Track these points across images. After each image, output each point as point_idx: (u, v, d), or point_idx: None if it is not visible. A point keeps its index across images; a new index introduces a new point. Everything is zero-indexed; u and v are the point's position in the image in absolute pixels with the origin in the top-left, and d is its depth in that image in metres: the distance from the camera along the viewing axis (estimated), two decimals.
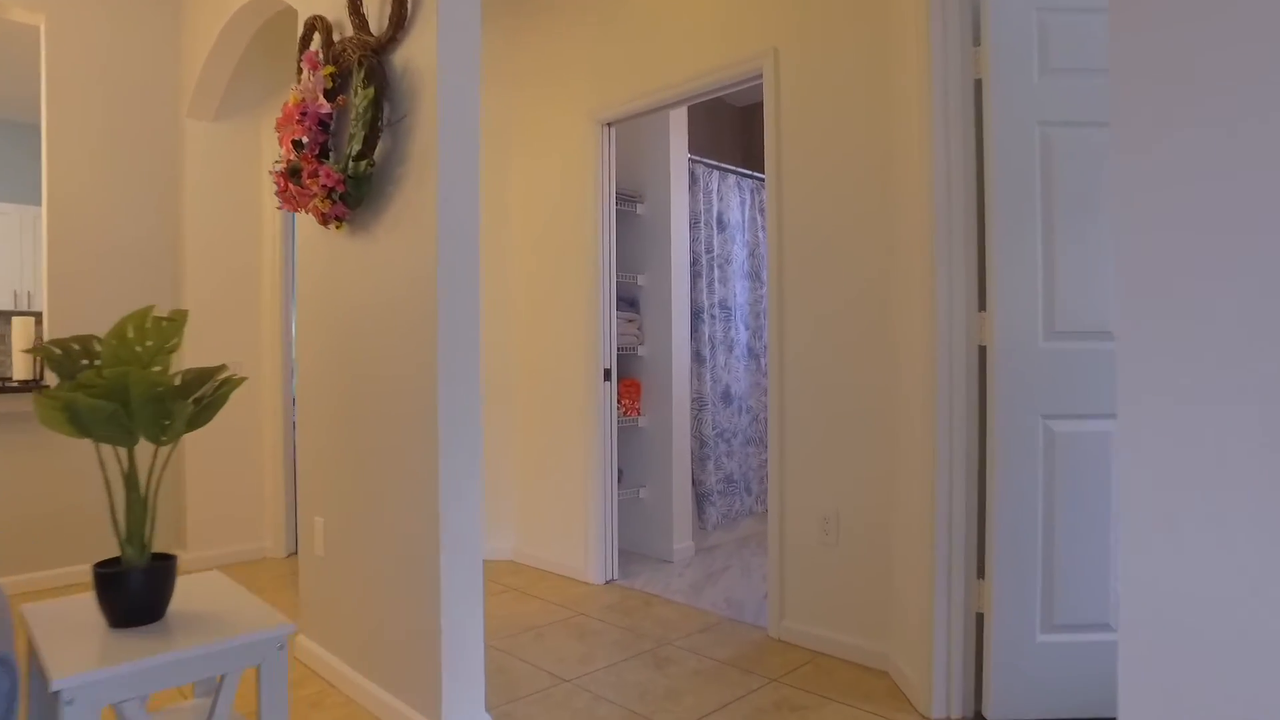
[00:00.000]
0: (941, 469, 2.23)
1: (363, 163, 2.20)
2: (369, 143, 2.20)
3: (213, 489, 4.01)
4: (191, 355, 3.95)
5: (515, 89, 4.09)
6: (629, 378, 4.20)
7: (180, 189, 3.97)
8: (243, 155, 4.10)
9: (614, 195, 3.70)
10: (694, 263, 4.18)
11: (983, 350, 2.22)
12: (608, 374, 3.65)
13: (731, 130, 5.57)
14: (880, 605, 2.60)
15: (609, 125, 3.67)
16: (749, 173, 4.58)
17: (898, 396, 2.53)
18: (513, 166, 4.08)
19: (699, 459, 4.17)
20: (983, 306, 2.22)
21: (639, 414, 4.14)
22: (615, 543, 3.71)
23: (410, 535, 2.18)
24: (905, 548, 2.46)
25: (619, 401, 4.06)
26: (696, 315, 4.17)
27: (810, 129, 2.83)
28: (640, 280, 4.15)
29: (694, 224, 4.18)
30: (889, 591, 2.58)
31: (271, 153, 4.12)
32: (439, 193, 2.06)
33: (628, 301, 4.15)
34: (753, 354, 4.55)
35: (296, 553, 4.19)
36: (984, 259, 2.22)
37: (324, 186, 2.25)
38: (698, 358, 4.17)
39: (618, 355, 4.26)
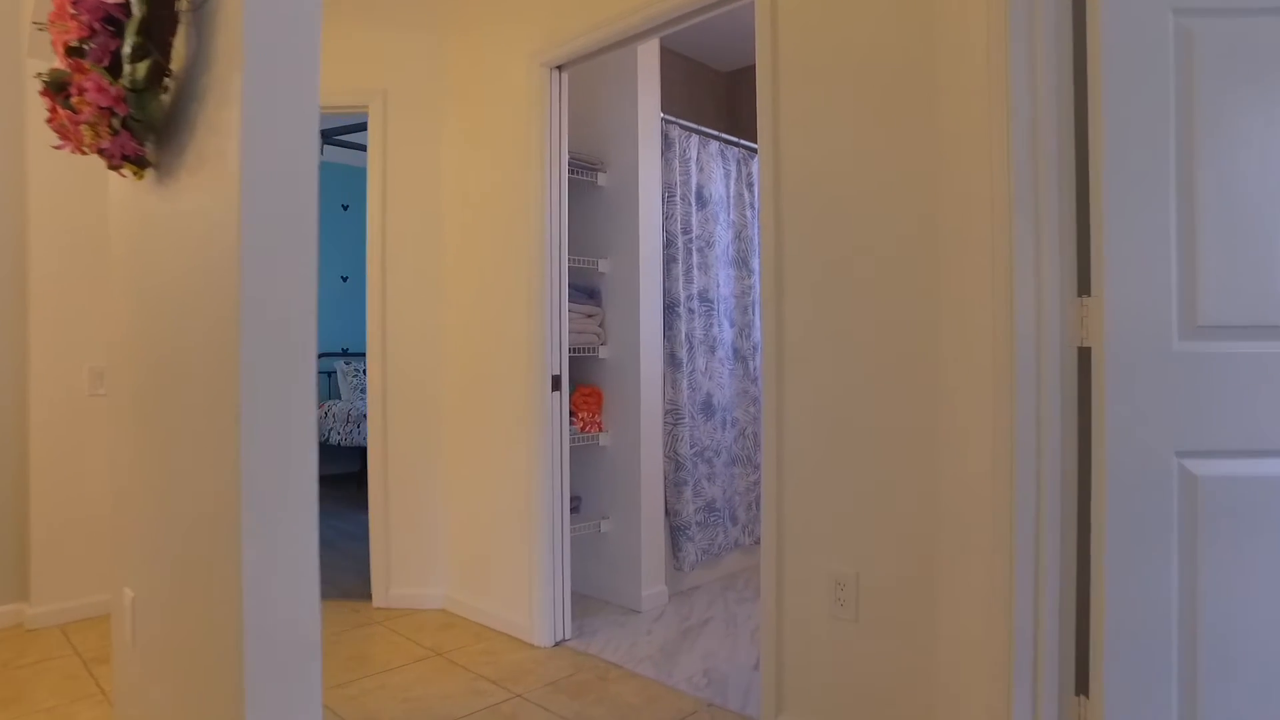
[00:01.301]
0: (1022, 529, 1.50)
1: (143, 65, 1.43)
2: (154, 35, 1.44)
3: (68, 522, 3.22)
4: (39, 350, 3.16)
5: (448, 32, 3.33)
6: (588, 384, 3.45)
7: (22, 139, 3.17)
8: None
9: (565, 159, 2.95)
10: (667, 245, 3.44)
11: (1084, 354, 1.49)
12: (556, 381, 2.89)
13: (714, 99, 4.84)
14: (920, 708, 1.87)
15: (559, 69, 2.92)
16: (735, 140, 3.85)
17: (943, 418, 1.80)
18: (446, 129, 3.32)
19: (673, 484, 3.43)
20: (1085, 289, 1.49)
21: (600, 429, 3.39)
22: (567, 592, 2.96)
23: (206, 618, 1.42)
24: (959, 632, 1.73)
25: (574, 415, 3.32)
26: (671, 309, 3.43)
27: (817, 55, 2.08)
28: (601, 266, 3.40)
29: (667, 198, 3.44)
30: (931, 690, 1.84)
31: None
32: (244, 112, 1.30)
33: (586, 292, 3.40)
34: (739, 356, 3.81)
35: None
36: (1086, 219, 1.49)
37: (96, 106, 1.49)
38: (672, 361, 3.43)
39: (573, 357, 3.52)
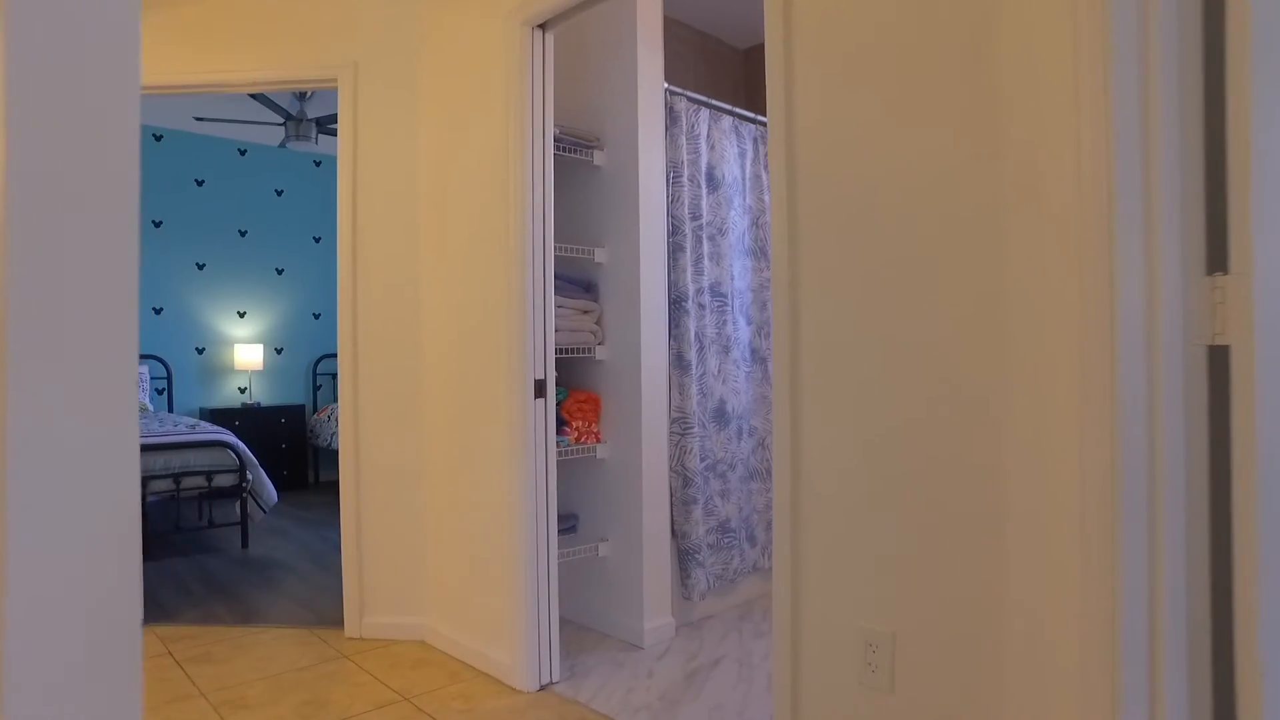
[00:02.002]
0: (1129, 596, 1.08)
1: None
2: None
3: None
4: None
5: None
6: (583, 389, 3.07)
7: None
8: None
9: (550, 132, 2.57)
10: (673, 232, 3.04)
11: (1217, 354, 1.07)
12: (541, 386, 2.51)
13: (730, 77, 4.43)
14: None
15: (541, 28, 2.54)
16: (751, 116, 3.44)
17: (1009, 444, 1.38)
18: (423, 104, 2.96)
19: (681, 502, 3.04)
20: (1218, 264, 1.07)
21: (597, 440, 3.01)
22: (554, 627, 2.58)
23: None
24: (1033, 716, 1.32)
25: (567, 424, 2.93)
26: (678, 304, 3.03)
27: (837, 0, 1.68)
28: (598, 256, 3.01)
29: (673, 178, 3.04)
30: None
31: None
32: None
33: (580, 285, 3.02)
34: (757, 357, 3.40)
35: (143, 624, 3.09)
36: (1221, 163, 1.07)
37: None
38: (679, 362, 3.03)
39: (566, 359, 3.14)
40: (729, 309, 3.23)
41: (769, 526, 3.42)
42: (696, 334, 3.10)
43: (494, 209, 2.63)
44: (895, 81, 1.56)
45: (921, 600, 1.52)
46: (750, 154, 3.41)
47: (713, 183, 3.21)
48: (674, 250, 3.03)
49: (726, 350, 3.22)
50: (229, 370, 6.44)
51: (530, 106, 2.51)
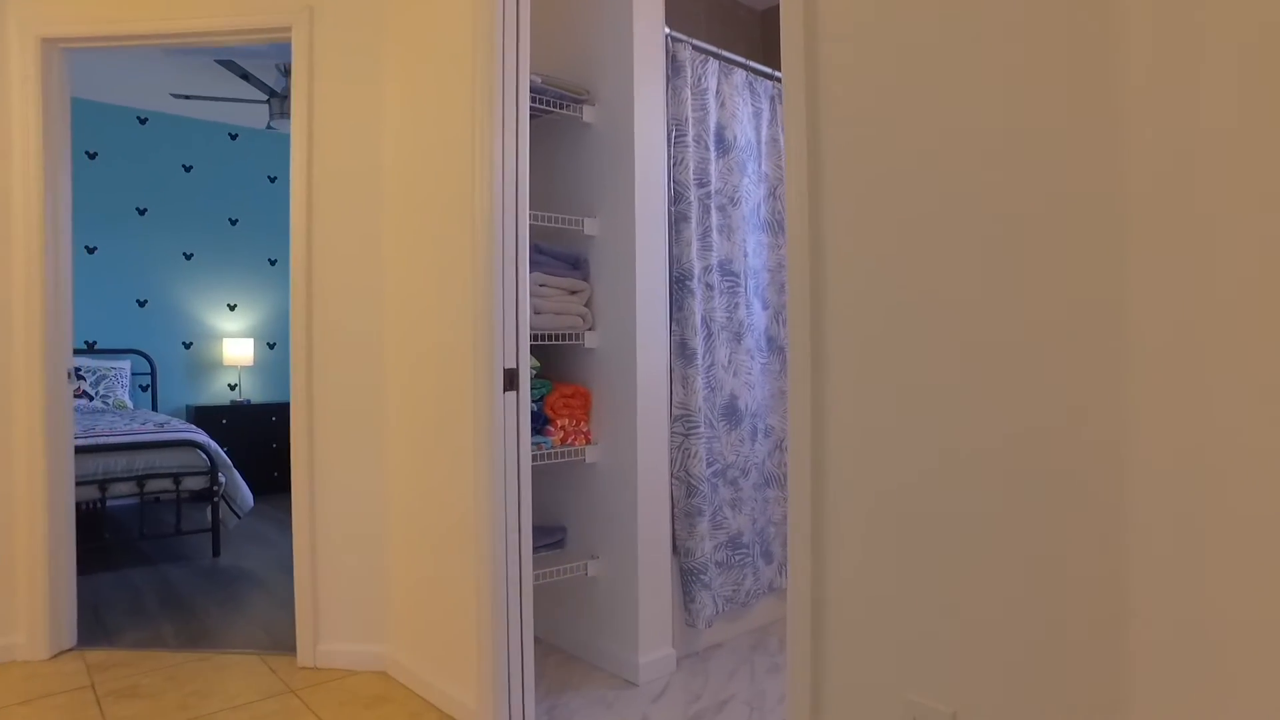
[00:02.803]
0: None
1: None
2: None
3: None
4: None
5: None
6: (571, 382, 2.66)
7: None
8: None
9: (524, 80, 2.16)
10: (676, 200, 2.62)
11: None
12: (511, 377, 2.10)
13: (746, 40, 3.99)
14: None
15: None
16: (768, 71, 3.01)
17: (1130, 457, 0.95)
18: (388, 55, 2.56)
19: (685, 514, 2.61)
20: None
21: (587, 440, 2.59)
22: (528, 661, 2.17)
23: None
24: None
25: (552, 423, 2.52)
26: (681, 284, 2.61)
27: None
28: (588, 227, 2.60)
29: (676, 138, 2.62)
30: None
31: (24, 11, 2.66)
32: None
33: (567, 261, 2.60)
34: (775, 346, 2.97)
35: (73, 649, 2.74)
36: None
37: None
38: (683, 351, 2.61)
39: (552, 346, 2.73)
40: (741, 290, 2.80)
41: (786, 540, 2.98)
42: (703, 318, 2.67)
43: (460, 173, 2.22)
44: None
45: (998, 676, 1.08)
46: (767, 114, 2.98)
47: (723, 145, 2.78)
48: (677, 221, 2.61)
49: (738, 338, 2.79)
50: (218, 366, 6.10)
51: (499, 49, 2.10)
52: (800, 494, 1.36)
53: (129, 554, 4.19)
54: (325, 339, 2.57)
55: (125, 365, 5.56)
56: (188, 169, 6.02)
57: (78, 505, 3.76)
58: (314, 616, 2.59)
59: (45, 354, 2.70)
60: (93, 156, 5.65)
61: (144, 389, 5.83)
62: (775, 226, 3.00)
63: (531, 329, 2.41)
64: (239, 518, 4.23)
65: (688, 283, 2.60)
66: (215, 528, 4.16)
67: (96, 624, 3.09)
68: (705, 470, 2.63)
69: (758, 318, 2.89)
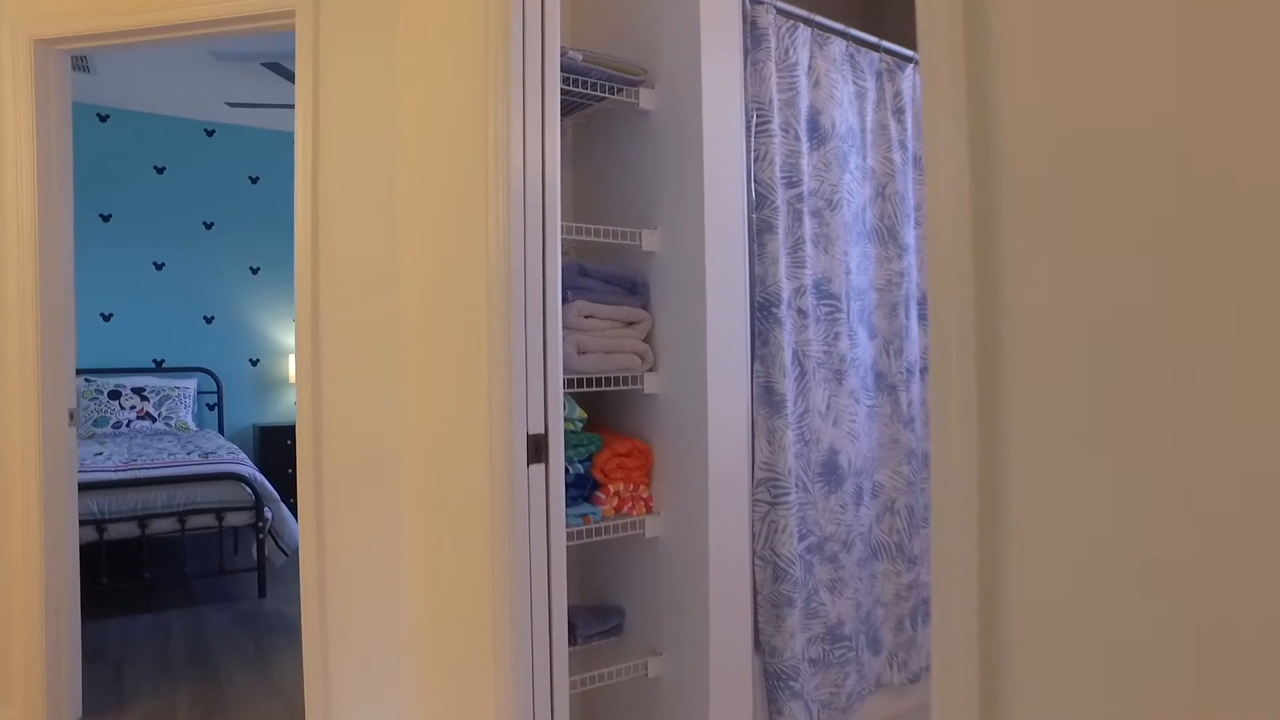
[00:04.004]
0: None
1: None
2: None
3: None
4: None
5: None
6: (626, 435, 2.14)
7: None
8: None
9: (552, 56, 1.67)
10: (759, 205, 2.07)
11: None
12: (538, 446, 1.61)
13: (844, 4, 3.38)
14: None
15: None
16: (874, 41, 2.42)
17: None
18: (402, 40, 2.11)
19: (771, 602, 2.06)
20: None
21: (647, 509, 2.08)
22: None
23: None
24: None
25: (603, 488, 2.02)
26: (766, 311, 2.06)
27: None
28: (647, 242, 2.08)
29: (758, 127, 2.07)
30: None
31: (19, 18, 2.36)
32: None
33: (622, 285, 2.09)
34: (885, 384, 2.38)
35: None
36: None
37: None
38: (768, 397, 2.06)
39: (604, 393, 2.22)
40: (843, 316, 2.23)
41: (901, 624, 2.39)
42: (795, 354, 2.11)
43: (471, 178, 1.75)
44: None
45: None
46: (872, 94, 2.40)
47: (817, 134, 2.22)
48: (760, 232, 2.07)
49: (839, 377, 2.22)
50: (285, 383, 5.89)
51: (518, 17, 1.61)
52: (953, 587, 0.82)
53: (173, 592, 3.93)
54: (333, 390, 2.15)
55: (191, 384, 5.39)
56: (254, 180, 5.84)
57: (115, 543, 3.52)
58: (325, 699, 2.18)
59: (40, 393, 2.38)
60: (161, 171, 5.52)
61: (211, 408, 5.66)
62: (884, 234, 2.41)
63: (576, 372, 1.92)
64: (286, 555, 3.92)
65: (774, 309, 2.05)
66: (260, 566, 3.86)
67: (113, 685, 2.79)
68: (797, 547, 2.07)
69: (863, 350, 2.31)
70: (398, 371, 2.10)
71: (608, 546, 2.24)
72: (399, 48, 2.11)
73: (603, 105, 2.19)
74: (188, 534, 3.68)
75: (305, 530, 2.17)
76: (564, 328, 1.84)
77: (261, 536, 3.82)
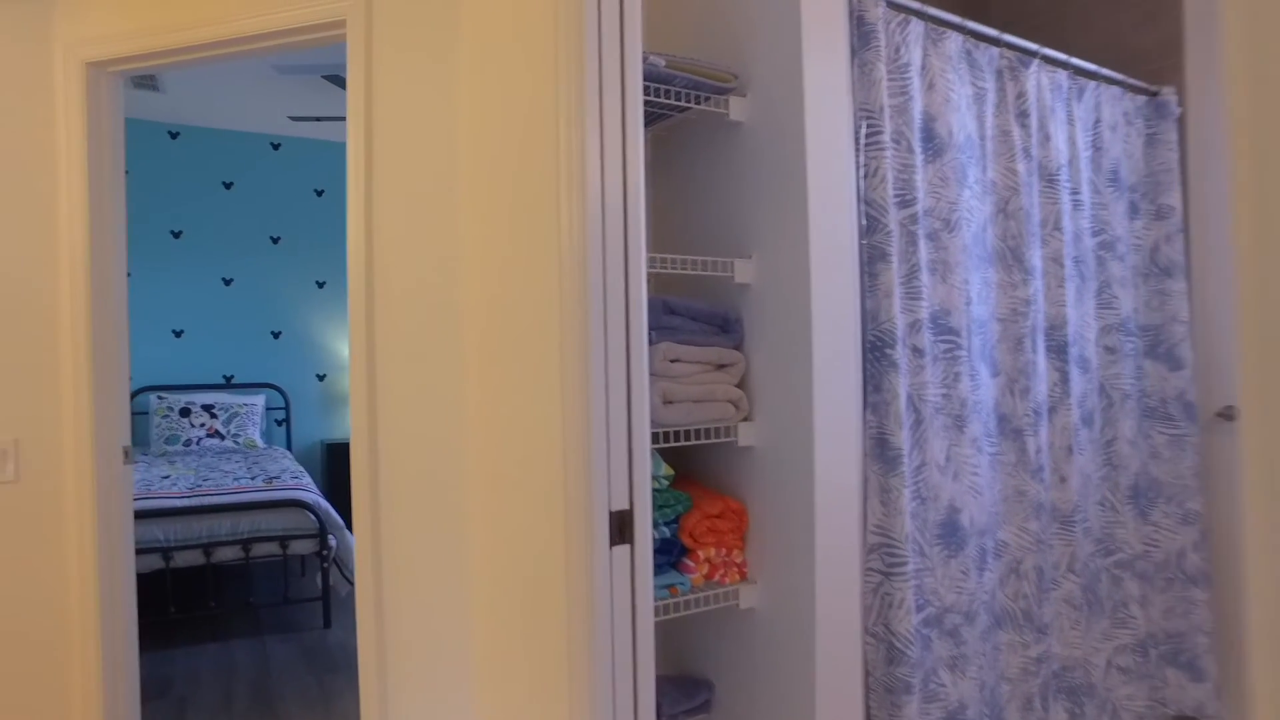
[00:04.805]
0: None
1: None
2: None
3: None
4: None
5: None
6: (717, 492, 1.89)
7: None
8: (15, 73, 2.25)
9: (631, 60, 1.44)
10: (871, 229, 1.80)
11: None
12: (622, 525, 1.38)
13: None
14: None
15: None
16: (995, 35, 2.12)
17: None
18: (461, 49, 1.91)
19: (885, 687, 1.79)
20: None
21: (740, 576, 1.83)
22: None
23: None
24: None
25: (691, 554, 1.78)
26: (878, 351, 1.79)
27: None
28: (740, 273, 1.83)
29: (869, 139, 1.80)
30: None
31: (80, 39, 2.25)
32: None
33: (712, 323, 1.84)
34: (1009, 428, 2.08)
35: None
36: None
37: None
38: (882, 451, 1.79)
39: (691, 447, 1.97)
40: (963, 354, 1.94)
41: (1028, 703, 2.09)
42: (909, 399, 1.84)
43: (540, 202, 1.53)
44: None
45: None
46: (993, 96, 2.10)
47: (932, 144, 1.93)
48: (871, 259, 1.79)
49: (960, 424, 1.93)
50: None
51: (593, 17, 1.38)
52: None
53: (239, 621, 3.85)
54: (392, 444, 1.96)
55: (258, 401, 5.36)
56: (319, 193, 5.79)
57: (181, 571, 3.44)
58: None
59: (94, 426, 2.27)
60: (229, 186, 5.51)
61: (279, 424, 5.63)
62: (1007, 257, 2.10)
63: (662, 425, 1.68)
64: (351, 584, 3.79)
65: (888, 350, 1.78)
66: (325, 596, 3.74)
67: None
68: (914, 621, 1.79)
69: (985, 390, 2.01)
70: (459, 404, 1.90)
71: (694, 626, 2.00)
72: (458, 57, 1.90)
73: (685, 117, 1.96)
74: (253, 561, 3.58)
75: (362, 571, 1.99)
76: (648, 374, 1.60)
77: (326, 565, 3.70)
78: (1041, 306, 2.15)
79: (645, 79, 1.67)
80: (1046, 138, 2.20)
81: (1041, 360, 2.14)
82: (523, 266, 1.63)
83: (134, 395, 5.19)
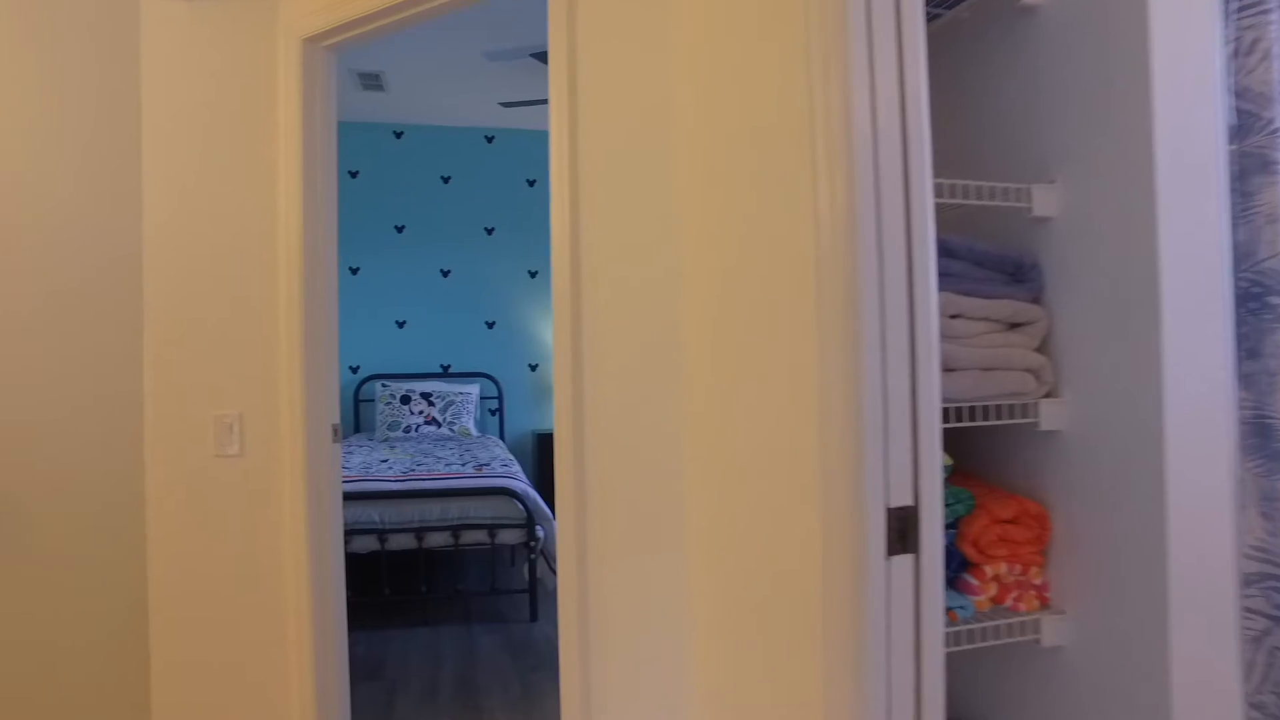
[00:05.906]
0: None
1: None
2: None
3: (192, 653, 2.24)
4: (155, 415, 2.23)
5: None
6: (1007, 486, 1.44)
7: (135, 118, 2.25)
8: (244, 54, 2.27)
9: None
10: (1244, 130, 1.28)
11: None
12: (904, 527, 1.00)
13: None
14: None
15: None
16: None
17: None
18: (680, 4, 1.61)
19: None
20: None
21: (1043, 603, 1.38)
22: None
23: None
24: None
25: (973, 568, 1.36)
26: (1254, 300, 1.27)
27: None
28: (1038, 204, 1.38)
29: (1240, 9, 1.29)
30: None
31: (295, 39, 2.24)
32: None
33: (1001, 268, 1.40)
34: None
35: None
36: None
37: None
38: (1262, 439, 1.26)
39: (984, 421, 1.53)
40: None
41: None
42: None
43: (789, 122, 1.18)
44: None
45: None
46: None
47: None
48: (1244, 173, 1.28)
49: None
50: None
51: None
52: None
53: (449, 606, 3.84)
54: (596, 393, 1.71)
55: (473, 390, 5.47)
56: (531, 183, 5.83)
57: (395, 554, 3.47)
58: None
59: (306, 406, 2.23)
60: (447, 180, 5.67)
61: (492, 413, 5.73)
62: None
63: (942, 399, 1.28)
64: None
65: (1270, 299, 1.26)
66: (533, 588, 3.64)
67: (384, 711, 2.64)
68: None
69: None
70: (677, 387, 1.60)
71: (971, 663, 1.57)
72: (678, 12, 1.61)
73: (955, 15, 1.54)
74: (462, 548, 3.55)
75: (565, 569, 1.76)
76: None
77: (534, 557, 3.59)
78: None
79: None
80: None
81: None
82: (775, 217, 1.30)
83: (362, 384, 5.47)
